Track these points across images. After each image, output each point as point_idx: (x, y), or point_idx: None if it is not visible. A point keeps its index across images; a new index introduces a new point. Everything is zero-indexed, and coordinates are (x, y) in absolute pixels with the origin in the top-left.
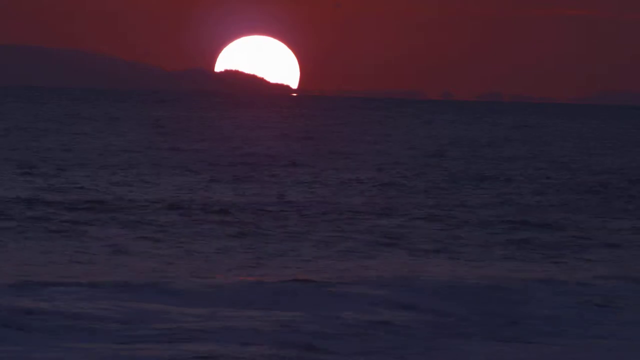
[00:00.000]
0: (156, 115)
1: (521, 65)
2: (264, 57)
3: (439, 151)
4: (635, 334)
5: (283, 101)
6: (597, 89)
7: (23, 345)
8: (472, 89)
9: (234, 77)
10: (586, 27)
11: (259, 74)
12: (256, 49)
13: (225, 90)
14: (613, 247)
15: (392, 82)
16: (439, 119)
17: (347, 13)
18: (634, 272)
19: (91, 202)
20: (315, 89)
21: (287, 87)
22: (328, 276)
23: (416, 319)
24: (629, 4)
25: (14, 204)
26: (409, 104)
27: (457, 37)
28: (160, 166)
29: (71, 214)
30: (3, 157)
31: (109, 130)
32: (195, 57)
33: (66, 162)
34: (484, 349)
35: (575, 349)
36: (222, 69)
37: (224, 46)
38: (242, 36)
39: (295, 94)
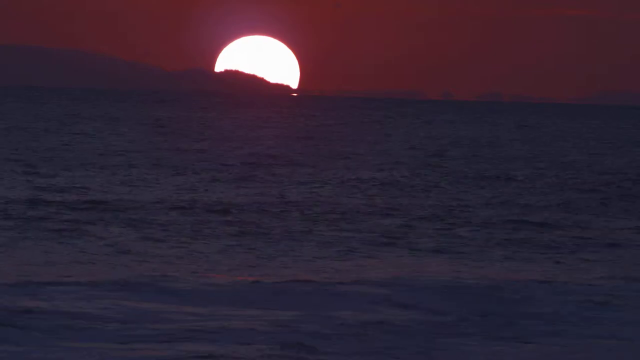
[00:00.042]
0: (156, 115)
1: (521, 65)
2: (264, 57)
3: (439, 151)
4: (635, 334)
5: (283, 101)
6: (597, 89)
7: (23, 344)
8: (472, 89)
9: (234, 77)
10: (586, 27)
11: (259, 74)
12: (256, 49)
13: (225, 90)
14: (613, 247)
15: (392, 82)
16: (439, 119)
17: (347, 13)
18: (634, 272)
19: (91, 202)
20: (315, 89)
21: (287, 87)
22: (328, 276)
23: (416, 318)
24: (629, 4)
25: (14, 203)
26: (409, 104)
27: (457, 37)
28: (161, 166)
29: (71, 214)
30: (3, 157)
31: (109, 130)
32: (195, 57)
33: (66, 162)
34: (483, 349)
35: (575, 349)
36: (222, 69)
37: (224, 46)
38: (242, 36)
39: (295, 94)
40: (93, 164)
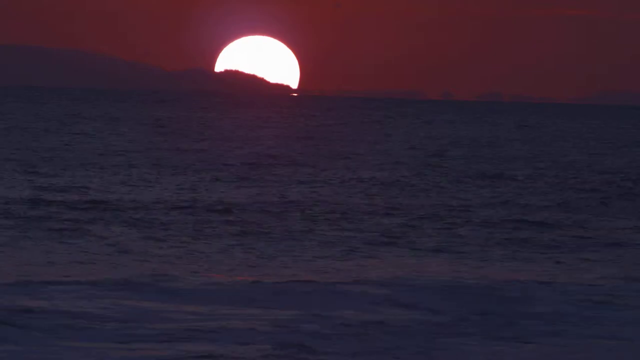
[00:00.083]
0: (156, 115)
1: (521, 65)
2: (264, 57)
3: (439, 151)
4: (635, 334)
5: (283, 101)
6: (597, 89)
7: (22, 344)
8: (472, 89)
9: (234, 77)
10: (586, 27)
11: (259, 74)
12: (256, 49)
13: (225, 90)
14: (613, 246)
15: (392, 82)
16: (439, 119)
17: (347, 13)
18: (634, 271)
19: (92, 202)
20: (315, 89)
21: (287, 87)
22: (328, 276)
23: (416, 318)
24: (629, 4)
25: (14, 203)
26: (409, 104)
27: (457, 37)
28: (161, 166)
29: (71, 214)
30: (4, 156)
31: (109, 130)
32: (195, 57)
33: (67, 162)
34: (483, 349)
35: (575, 349)
36: (222, 69)
37: (224, 46)
38: (242, 36)
39: (295, 94)
40: (93, 164)
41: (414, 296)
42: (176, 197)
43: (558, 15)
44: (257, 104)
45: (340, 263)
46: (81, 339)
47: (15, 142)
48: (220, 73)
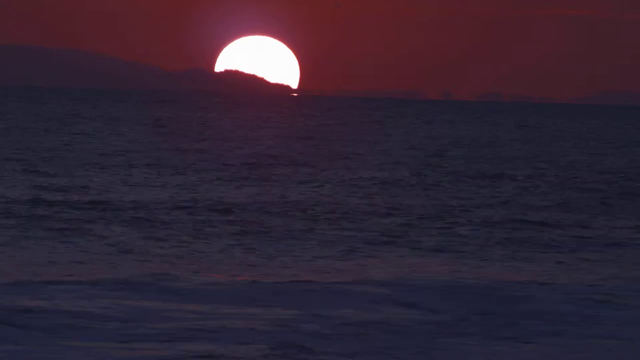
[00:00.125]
0: (156, 115)
1: (521, 65)
2: (264, 57)
3: (439, 151)
4: (635, 334)
5: (283, 101)
6: (597, 89)
7: (22, 344)
8: (472, 89)
9: (234, 77)
10: (586, 27)
11: (259, 74)
12: (256, 49)
13: (225, 90)
14: (613, 246)
15: (392, 82)
16: (439, 119)
17: (347, 13)
18: (635, 271)
19: (92, 201)
20: (315, 89)
21: (287, 87)
22: (328, 276)
23: (416, 318)
24: (629, 4)
25: (15, 203)
26: (409, 104)
27: (457, 37)
28: (161, 166)
29: (72, 214)
30: (4, 156)
31: (109, 130)
32: (195, 57)
33: (67, 162)
34: (483, 349)
35: (575, 349)
36: (222, 69)
37: (224, 46)
38: (242, 36)
39: (295, 94)
40: (93, 164)
41: (414, 296)
42: (176, 196)
43: (558, 15)
44: (257, 104)
45: (340, 263)
46: (82, 339)
47: (15, 142)
48: (220, 73)
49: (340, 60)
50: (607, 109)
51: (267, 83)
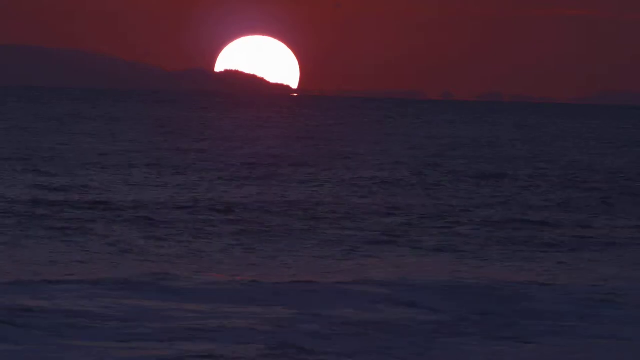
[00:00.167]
0: (156, 115)
1: (521, 65)
2: (264, 57)
3: (439, 151)
4: (635, 333)
5: (283, 101)
6: (597, 89)
7: (22, 343)
8: (472, 89)
9: (234, 77)
10: (586, 27)
11: (259, 74)
12: (256, 49)
13: (225, 90)
14: (614, 246)
15: (392, 82)
16: (439, 119)
17: (347, 13)
18: (635, 271)
19: (93, 201)
20: (315, 89)
21: (287, 87)
22: (328, 276)
23: (416, 318)
24: (629, 4)
25: (15, 202)
26: (409, 104)
27: (457, 37)
28: (161, 166)
29: (72, 213)
30: (4, 156)
31: (109, 130)
32: (195, 57)
33: (67, 162)
34: (483, 349)
35: (575, 349)
36: (222, 69)
37: (224, 46)
38: (242, 36)
39: (295, 94)
40: (93, 164)
41: (414, 296)
42: (177, 196)
43: (558, 15)
44: (257, 104)
45: (340, 263)
46: (82, 338)
47: (15, 141)
48: (220, 73)
49: (340, 60)
50: (607, 109)
51: (267, 83)
